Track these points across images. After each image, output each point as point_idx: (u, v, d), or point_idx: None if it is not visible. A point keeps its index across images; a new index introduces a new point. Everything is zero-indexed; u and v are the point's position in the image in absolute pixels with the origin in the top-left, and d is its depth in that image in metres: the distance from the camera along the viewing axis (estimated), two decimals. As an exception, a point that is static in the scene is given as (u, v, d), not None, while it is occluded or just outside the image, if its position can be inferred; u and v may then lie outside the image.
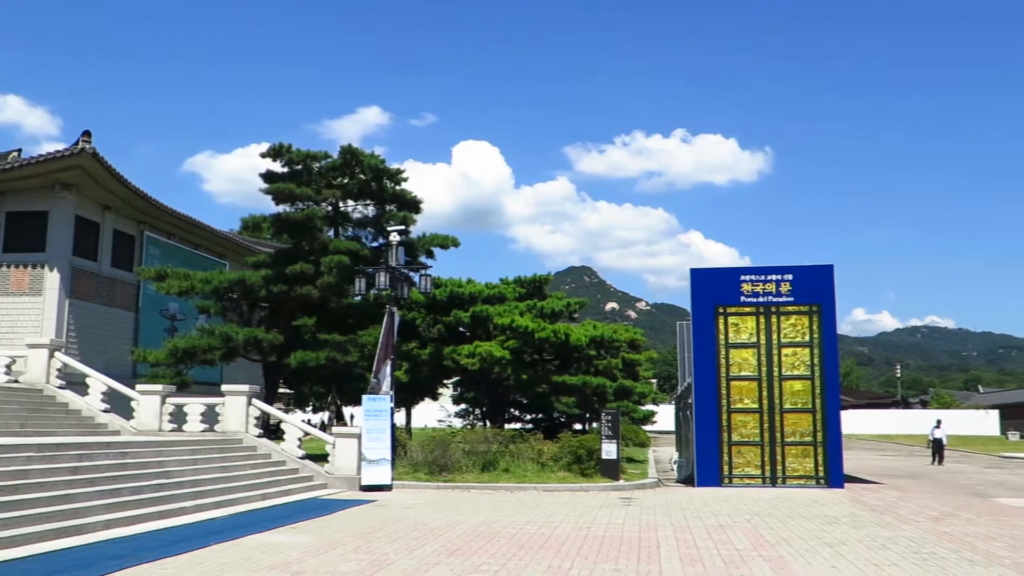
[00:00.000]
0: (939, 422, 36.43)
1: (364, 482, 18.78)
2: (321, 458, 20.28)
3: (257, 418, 20.40)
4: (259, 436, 20.11)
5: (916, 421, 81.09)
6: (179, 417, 20.30)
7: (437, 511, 15.15)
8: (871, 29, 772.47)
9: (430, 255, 28.71)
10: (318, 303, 26.01)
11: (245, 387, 20.56)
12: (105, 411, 20.69)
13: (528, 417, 36.50)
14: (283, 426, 20.56)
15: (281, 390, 37.93)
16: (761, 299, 21.69)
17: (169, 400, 20.49)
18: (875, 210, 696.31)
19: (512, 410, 35.84)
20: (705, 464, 21.24)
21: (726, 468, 21.20)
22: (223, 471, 16.85)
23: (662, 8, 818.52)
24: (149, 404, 20.28)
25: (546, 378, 29.50)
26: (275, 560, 9.93)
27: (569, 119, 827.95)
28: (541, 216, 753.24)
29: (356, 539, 11.63)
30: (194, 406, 20.34)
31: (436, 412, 38.57)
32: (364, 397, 20.34)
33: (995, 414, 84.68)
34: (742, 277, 22.07)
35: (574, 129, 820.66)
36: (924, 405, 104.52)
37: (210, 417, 20.30)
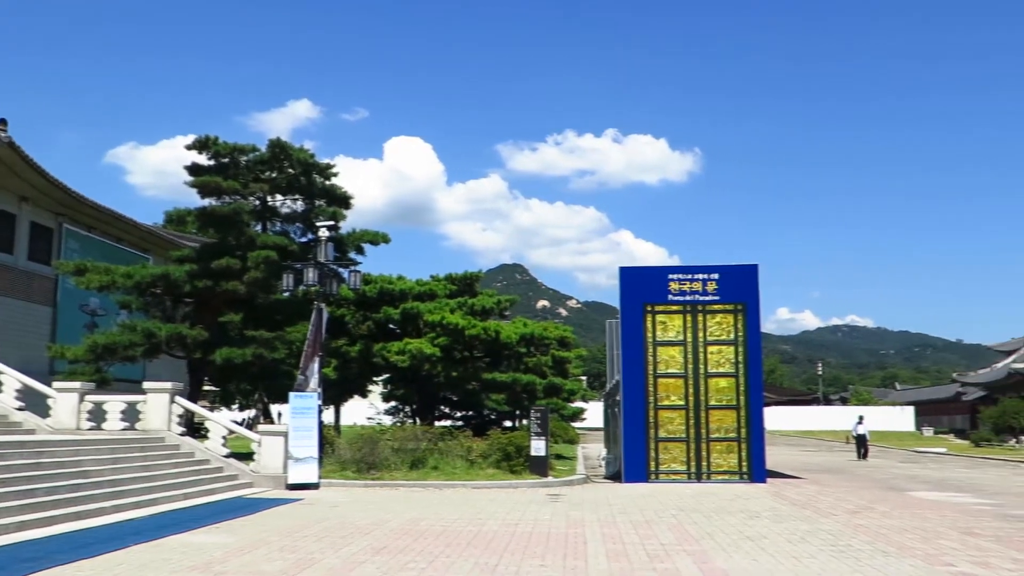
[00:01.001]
0: (861, 418, 37.52)
1: (291, 480, 18.54)
2: (247, 456, 19.95)
3: (180, 416, 19.96)
4: (182, 434, 19.68)
5: (836, 417, 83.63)
6: (98, 415, 19.72)
7: (365, 509, 15.04)
8: (798, 29, 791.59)
9: (360, 251, 28.46)
10: (245, 299, 25.57)
11: (168, 384, 20.11)
12: (19, 409, 19.94)
13: (459, 414, 36.48)
14: (207, 424, 20.17)
15: (207, 388, 37.16)
16: (688, 298, 22.05)
17: (88, 398, 19.90)
18: (800, 210, 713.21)
19: (442, 407, 35.77)
20: (632, 460, 21.52)
21: (653, 464, 21.51)
22: (144, 470, 16.45)
23: (592, 8, 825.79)
24: (66, 402, 19.65)
25: (476, 375, 29.56)
26: (197, 560, 9.73)
27: (501, 117, 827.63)
28: (473, 213, 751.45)
29: (281, 538, 11.47)
30: (114, 404, 19.79)
31: (366, 410, 38.28)
32: (291, 395, 20.05)
33: (910, 410, 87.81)
34: (670, 276, 22.41)
35: (506, 127, 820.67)
36: (844, 402, 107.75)
37: (131, 415, 19.78)
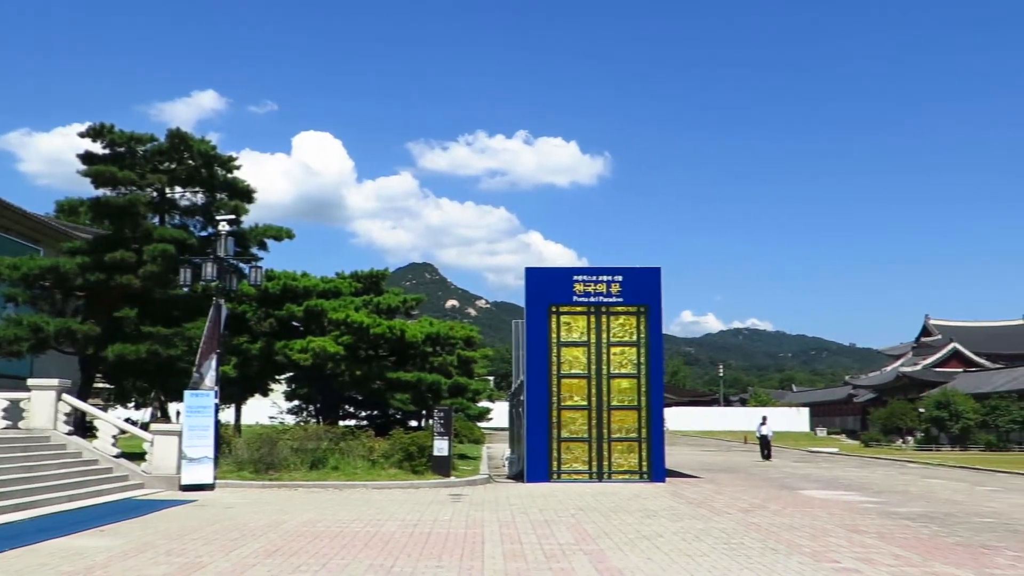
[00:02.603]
0: (765, 419, 38.36)
1: (184, 481, 17.98)
2: (139, 457, 19.28)
3: (68, 414, 19.14)
4: (69, 433, 18.87)
5: (736, 418, 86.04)
6: (-22, 413, 18.77)
7: (260, 511, 14.69)
8: (705, 36, 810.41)
9: (263, 247, 27.77)
10: (141, 293, 24.70)
11: (54, 381, 19.25)
12: None
13: (363, 414, 36.05)
14: (96, 423, 19.39)
15: (103, 385, 35.82)
16: (592, 299, 22.28)
17: (-33, 395, 18.92)
18: (705, 216, 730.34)
19: (347, 407, 35.30)
20: (535, 460, 21.62)
21: (555, 464, 21.66)
22: (26, 471, 15.69)
23: (505, 9, 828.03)
24: (-57, 399, 18.65)
25: (381, 374, 29.23)
26: (77, 566, 9.32)
27: (412, 115, 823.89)
28: (383, 211, 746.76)
29: (169, 541, 11.09)
30: (-5, 401, 18.87)
31: (268, 409, 37.43)
32: (186, 393, 19.46)
33: (806, 411, 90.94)
34: (575, 277, 22.60)
35: (417, 125, 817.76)
36: (743, 403, 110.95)
37: (14, 413, 18.88)
